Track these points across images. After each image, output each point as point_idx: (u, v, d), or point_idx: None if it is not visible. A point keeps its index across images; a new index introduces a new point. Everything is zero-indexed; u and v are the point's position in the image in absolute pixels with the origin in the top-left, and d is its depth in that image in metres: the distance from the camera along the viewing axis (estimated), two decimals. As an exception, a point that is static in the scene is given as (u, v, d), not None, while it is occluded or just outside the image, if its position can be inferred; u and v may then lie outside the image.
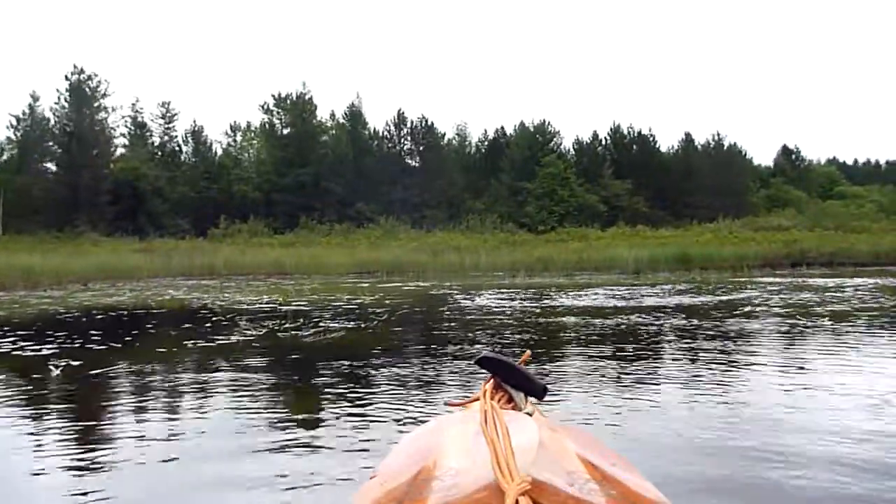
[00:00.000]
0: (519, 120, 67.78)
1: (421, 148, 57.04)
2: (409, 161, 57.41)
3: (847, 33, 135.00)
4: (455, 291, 16.78)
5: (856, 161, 75.59)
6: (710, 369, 5.72)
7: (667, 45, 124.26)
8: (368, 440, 3.73)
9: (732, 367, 5.89)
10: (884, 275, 21.34)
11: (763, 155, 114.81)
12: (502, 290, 16.87)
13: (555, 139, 58.98)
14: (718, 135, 61.33)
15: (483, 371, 2.15)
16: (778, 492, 2.89)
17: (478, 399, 1.94)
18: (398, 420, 4.17)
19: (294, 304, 13.74)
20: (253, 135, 56.84)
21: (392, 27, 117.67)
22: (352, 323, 9.88)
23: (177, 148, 55.36)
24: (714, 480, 3.03)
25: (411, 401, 4.73)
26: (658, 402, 4.61)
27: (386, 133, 57.04)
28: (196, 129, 54.79)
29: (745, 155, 62.47)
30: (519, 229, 45.67)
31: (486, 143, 61.38)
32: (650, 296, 14.62)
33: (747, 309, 11.20)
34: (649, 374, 5.70)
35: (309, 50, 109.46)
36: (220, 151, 56.22)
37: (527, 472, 1.11)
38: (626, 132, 60.68)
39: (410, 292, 17.24)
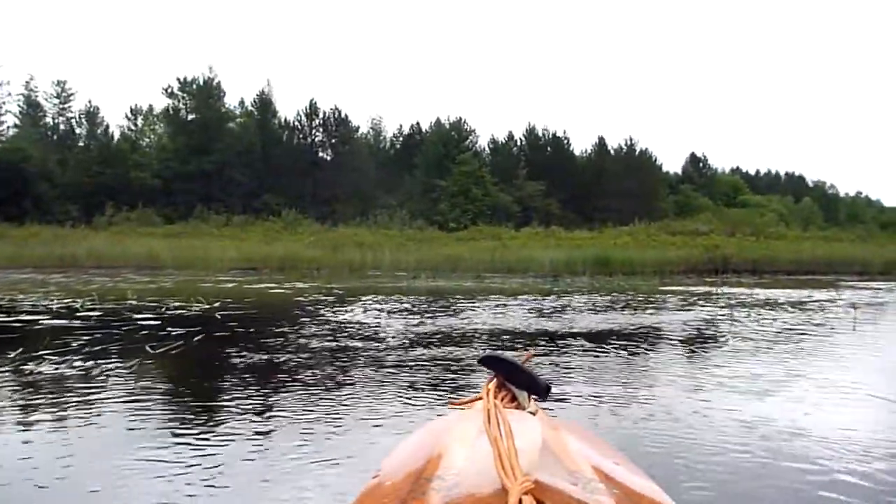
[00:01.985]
0: (435, 116, 63.70)
1: (333, 140, 51.96)
2: (321, 153, 52.32)
3: (751, 50, 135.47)
4: (332, 298, 12.25)
5: (758, 171, 74.03)
6: None
7: (582, 50, 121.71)
8: None
9: None
10: (824, 285, 17.81)
11: (672, 162, 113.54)
12: (394, 298, 12.44)
13: (470, 137, 54.94)
14: (630, 140, 58.43)
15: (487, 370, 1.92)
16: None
17: (481, 398, 1.76)
18: None
19: (93, 310, 9.07)
20: (155, 119, 50.80)
21: (306, 13, 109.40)
22: (90, 363, 5.25)
23: (71, 130, 48.91)
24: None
25: None
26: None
27: (297, 123, 51.75)
28: (91, 110, 48.42)
29: (656, 161, 59.74)
30: (430, 226, 41.25)
31: (400, 138, 56.88)
32: (579, 310, 10.44)
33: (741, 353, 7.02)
34: None
35: (217, 32, 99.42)
36: (117, 135, 49.95)
37: (530, 472, 1.04)
38: (540, 134, 57.14)
39: (270, 298, 12.64)
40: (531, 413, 1.66)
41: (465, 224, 44.39)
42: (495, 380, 1.88)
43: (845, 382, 5.07)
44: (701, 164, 63.82)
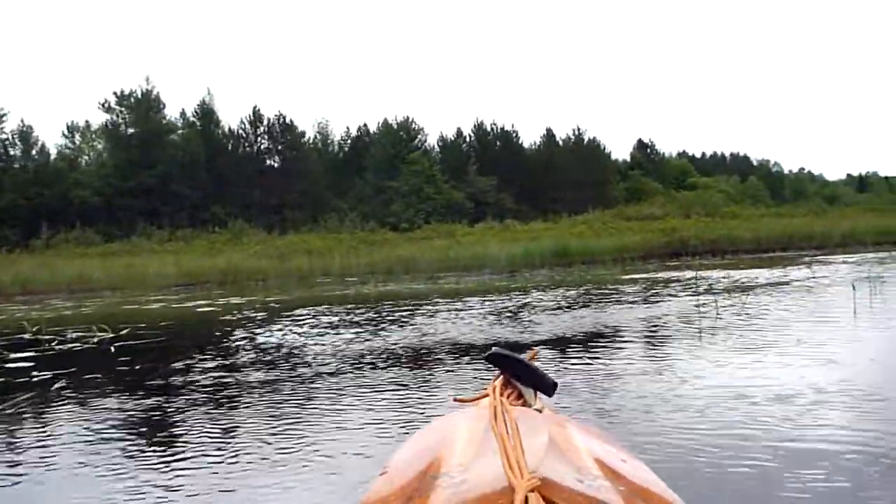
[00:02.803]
0: (382, 117, 61.81)
1: (280, 147, 49.90)
2: (268, 161, 50.26)
3: (691, 33, 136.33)
4: (265, 314, 10.63)
5: (703, 154, 73.59)
6: None
7: (525, 42, 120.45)
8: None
9: None
10: (792, 263, 16.69)
11: (620, 149, 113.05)
12: (336, 308, 10.89)
13: (419, 136, 53.43)
14: (578, 129, 57.52)
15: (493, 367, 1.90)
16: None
17: (487, 395, 1.72)
18: None
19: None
20: (94, 135, 48.19)
21: (243, 19, 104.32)
22: None
23: (5, 151, 46.09)
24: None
25: None
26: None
27: (241, 132, 49.57)
28: (25, 129, 45.63)
29: (604, 149, 58.91)
30: (382, 228, 39.59)
31: (348, 141, 55.06)
32: (541, 309, 9.00)
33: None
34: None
35: (152, 42, 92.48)
36: (54, 153, 47.25)
37: (536, 469, 1.02)
38: (489, 128, 55.88)
39: (193, 318, 10.96)
40: (537, 410, 1.66)
41: (418, 224, 42.90)
42: (501, 377, 1.83)
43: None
44: (649, 150, 63.17)
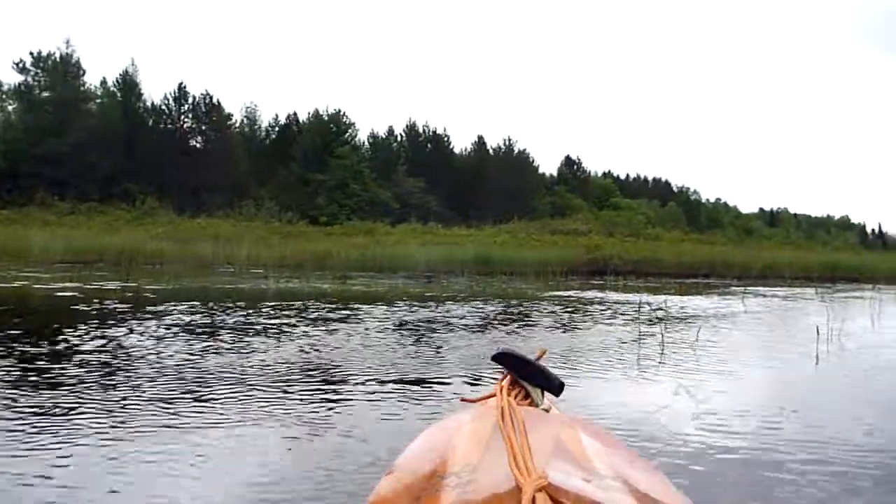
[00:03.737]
0: (313, 107, 59.57)
1: (203, 127, 47.31)
2: (190, 141, 47.50)
3: (622, 58, 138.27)
4: (128, 305, 8.80)
5: (627, 176, 74.05)
6: None
7: (462, 47, 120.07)
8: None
9: None
10: (721, 292, 15.75)
11: (547, 163, 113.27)
12: (220, 305, 9.14)
13: (349, 131, 51.59)
14: (509, 140, 56.76)
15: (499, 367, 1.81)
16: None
17: (494, 395, 1.69)
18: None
19: None
20: (4, 96, 44.52)
21: None
22: None
23: None
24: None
25: None
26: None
27: (164, 108, 46.72)
28: (-74, 82, 41.77)
29: (533, 162, 58.35)
30: (302, 220, 37.55)
31: (276, 128, 52.70)
32: (455, 327, 7.49)
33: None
34: None
35: (76, 3, 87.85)
36: (-43, 111, 43.43)
37: (544, 469, 1.00)
38: (421, 130, 54.49)
39: (37, 303, 9.08)
40: (545, 410, 1.62)
41: (340, 220, 41.07)
42: (508, 377, 1.78)
43: None
44: (575, 167, 62.95)
